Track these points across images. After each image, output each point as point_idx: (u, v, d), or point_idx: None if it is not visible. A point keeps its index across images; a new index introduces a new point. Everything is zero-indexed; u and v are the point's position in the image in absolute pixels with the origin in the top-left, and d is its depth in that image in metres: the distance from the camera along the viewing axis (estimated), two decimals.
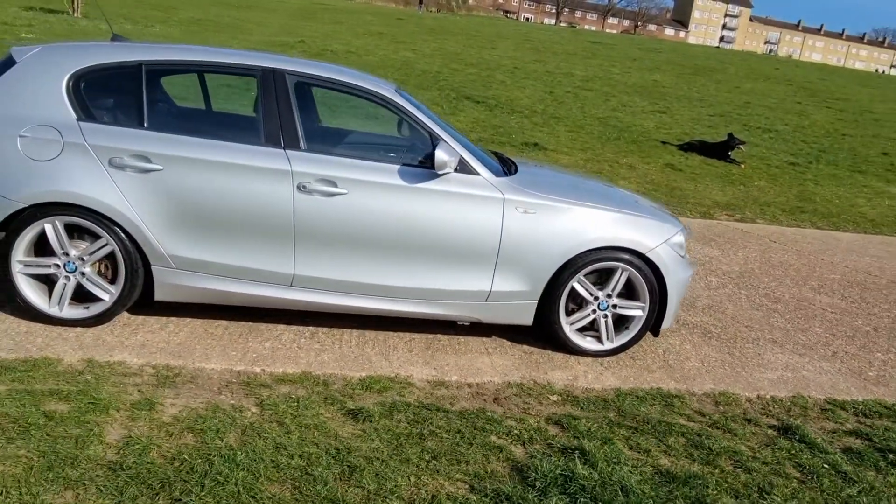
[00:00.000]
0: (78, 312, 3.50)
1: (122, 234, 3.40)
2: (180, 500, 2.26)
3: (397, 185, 3.56)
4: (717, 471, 2.82)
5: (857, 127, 19.53)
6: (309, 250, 3.53)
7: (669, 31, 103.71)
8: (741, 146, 12.38)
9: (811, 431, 3.28)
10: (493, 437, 2.90)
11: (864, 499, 2.72)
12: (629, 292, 3.90)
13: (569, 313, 3.88)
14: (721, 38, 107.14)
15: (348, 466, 2.55)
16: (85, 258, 3.44)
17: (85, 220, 3.36)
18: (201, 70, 3.73)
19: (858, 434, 3.35)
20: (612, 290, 3.86)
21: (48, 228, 3.37)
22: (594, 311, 3.88)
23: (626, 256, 3.79)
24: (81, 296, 3.52)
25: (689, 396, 3.59)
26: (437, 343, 3.88)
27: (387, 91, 3.73)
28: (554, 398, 3.40)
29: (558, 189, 3.88)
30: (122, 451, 2.49)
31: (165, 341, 3.48)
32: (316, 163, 3.49)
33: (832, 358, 4.40)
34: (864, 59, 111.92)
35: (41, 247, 3.47)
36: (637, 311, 3.90)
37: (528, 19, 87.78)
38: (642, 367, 3.90)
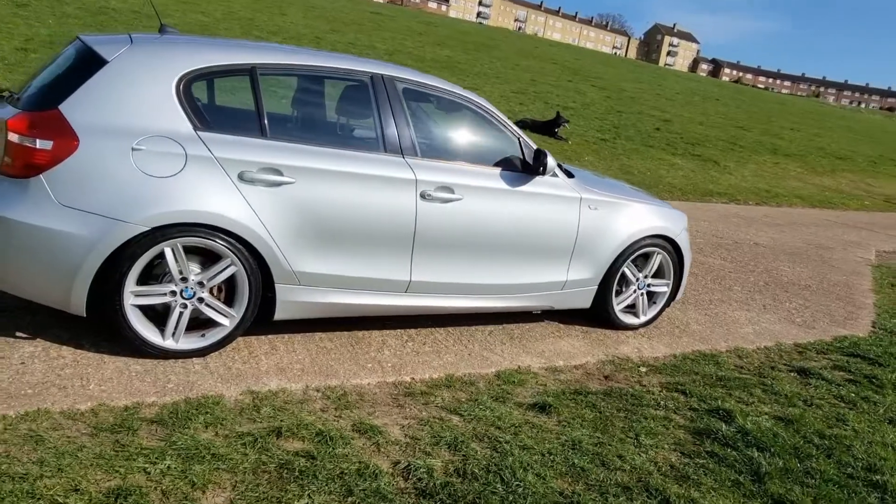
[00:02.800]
0: (194, 342, 3.18)
1: (247, 253, 3.15)
2: None
3: (502, 188, 3.78)
4: (802, 410, 3.64)
5: (623, 104, 22.77)
6: (425, 256, 3.61)
7: (432, 4, 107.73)
8: (566, 124, 13.92)
9: (817, 370, 4.29)
10: (651, 410, 3.39)
11: (891, 412, 3.75)
12: (656, 272, 4.59)
13: (615, 294, 4.45)
14: (478, 14, 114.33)
15: (593, 454, 2.86)
16: (204, 282, 3.12)
17: (210, 241, 3.05)
18: (311, 74, 3.49)
19: (838, 368, 4.45)
20: (649, 272, 4.52)
21: (168, 252, 3.00)
22: (635, 291, 4.51)
23: (662, 242, 4.46)
24: (191, 323, 3.19)
25: (720, 354, 4.41)
26: (514, 333, 4.19)
27: (481, 98, 3.88)
28: (643, 369, 3.97)
29: (609, 188, 4.40)
30: (411, 477, 2.51)
31: (298, 362, 3.33)
32: (435, 170, 3.56)
33: (765, 311, 5.60)
34: (593, 41, 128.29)
35: (144, 273, 3.07)
36: (664, 287, 4.62)
37: None
38: (669, 334, 4.64)
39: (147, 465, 2.34)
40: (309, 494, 2.31)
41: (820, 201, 14.39)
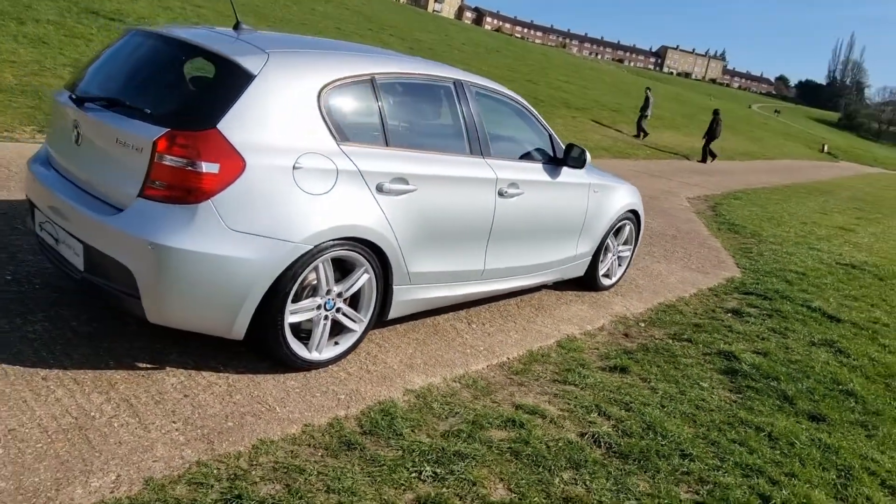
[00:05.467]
0: (332, 351, 3.26)
1: (377, 260, 3.28)
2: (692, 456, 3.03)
3: (546, 180, 4.26)
4: (764, 343, 4.76)
5: (428, 57, 23.47)
6: (495, 246, 3.98)
7: None
8: None
9: (742, 310, 5.52)
10: (684, 359, 4.22)
11: (809, 337, 5.06)
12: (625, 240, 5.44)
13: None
14: None
15: (687, 401, 3.59)
16: (343, 292, 3.20)
17: (352, 252, 3.13)
18: (413, 82, 3.53)
19: (750, 305, 5.73)
20: (623, 241, 5.35)
21: (320, 267, 3.03)
22: (611, 258, 5.32)
23: (630, 215, 5.30)
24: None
25: (676, 303, 5.43)
26: (535, 304, 4.76)
27: (522, 98, 4.26)
28: (642, 324, 4.81)
29: (599, 172, 5.07)
30: (602, 444, 3.01)
31: (415, 356, 3.56)
32: (506, 168, 3.91)
33: (668, 261, 6.82)
34: None
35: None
36: (627, 252, 5.50)
37: None
38: (632, 291, 5.56)
39: (416, 474, 2.54)
40: (557, 474, 2.72)
41: (618, 152, 16.69)
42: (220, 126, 2.69)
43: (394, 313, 3.53)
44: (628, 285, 5.66)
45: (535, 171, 4.18)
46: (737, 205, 11.86)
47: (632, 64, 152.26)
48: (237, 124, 2.73)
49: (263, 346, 3.03)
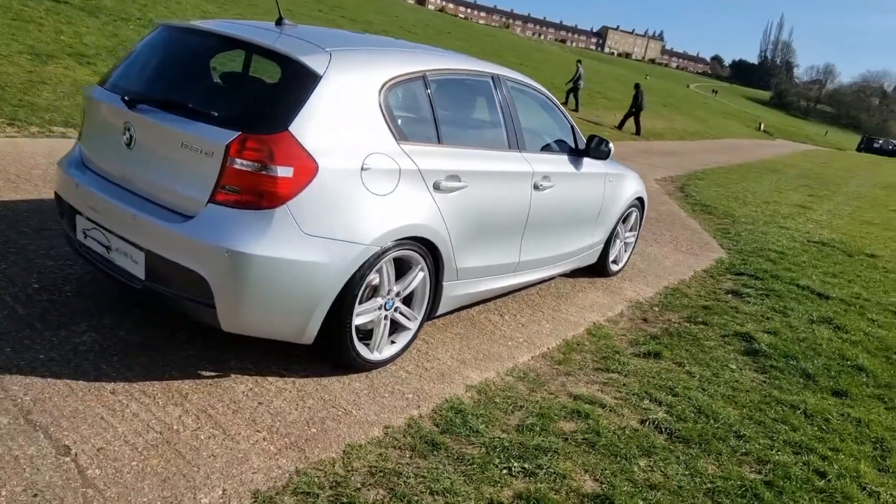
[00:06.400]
0: (390, 350, 3.26)
1: (431, 258, 3.28)
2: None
3: (572, 172, 4.32)
4: (771, 324, 4.98)
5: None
6: (529, 239, 4.03)
7: None
8: None
9: (739, 290, 5.74)
10: (706, 342, 4.38)
11: (807, 315, 5.32)
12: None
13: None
14: None
15: (723, 384, 3.74)
16: (400, 291, 3.19)
17: (411, 251, 3.13)
18: (458, 78, 3.50)
19: (745, 286, 5.97)
20: (629, 228, 5.48)
21: (384, 268, 3.02)
22: (619, 244, 5.45)
23: (637, 202, 5.43)
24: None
25: (679, 287, 5.61)
26: (553, 293, 4.84)
27: (548, 91, 4.29)
28: (656, 309, 4.96)
29: (613, 162, 5.17)
30: (663, 430, 3.11)
31: (464, 352, 3.58)
32: (539, 162, 3.96)
33: (660, 244, 7.02)
34: None
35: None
36: (632, 238, 5.64)
37: None
38: (637, 275, 5.71)
39: (506, 470, 2.59)
40: (634, 462, 2.80)
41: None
42: (291, 128, 2.63)
43: (441, 309, 3.54)
44: (632, 270, 5.81)
45: (563, 163, 4.23)
46: (702, 185, 12.23)
47: (574, 44, 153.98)
48: (307, 126, 2.68)
49: (331, 350, 3.00)
